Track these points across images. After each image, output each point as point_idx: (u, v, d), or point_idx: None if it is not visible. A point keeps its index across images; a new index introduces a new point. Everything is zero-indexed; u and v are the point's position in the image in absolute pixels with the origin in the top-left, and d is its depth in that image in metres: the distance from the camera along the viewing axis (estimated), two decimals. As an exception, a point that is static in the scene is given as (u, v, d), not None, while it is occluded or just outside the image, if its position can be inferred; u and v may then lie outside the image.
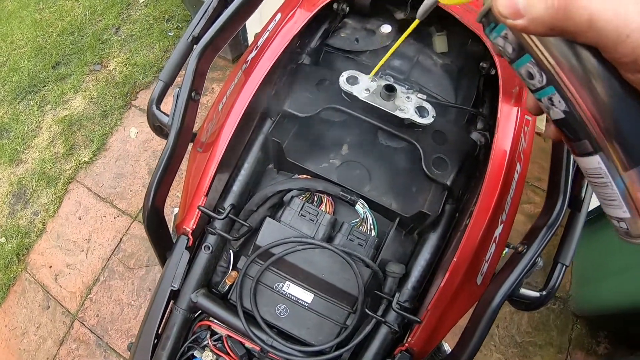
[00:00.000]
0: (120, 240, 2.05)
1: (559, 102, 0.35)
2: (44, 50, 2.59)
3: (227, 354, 0.87)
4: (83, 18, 2.70)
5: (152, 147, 2.23)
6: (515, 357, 1.81)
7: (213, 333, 0.90)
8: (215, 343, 0.90)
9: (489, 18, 0.37)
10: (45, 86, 2.48)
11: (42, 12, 2.76)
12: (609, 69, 0.32)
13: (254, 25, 2.08)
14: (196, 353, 0.88)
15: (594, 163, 0.36)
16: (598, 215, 1.76)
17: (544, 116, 0.40)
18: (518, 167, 0.88)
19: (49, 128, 2.36)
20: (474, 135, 0.92)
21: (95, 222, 2.10)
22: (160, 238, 0.92)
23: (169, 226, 0.94)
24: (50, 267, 2.06)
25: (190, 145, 0.98)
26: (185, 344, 0.88)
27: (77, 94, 2.44)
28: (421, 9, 0.57)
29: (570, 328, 1.85)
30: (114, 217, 2.10)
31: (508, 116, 0.86)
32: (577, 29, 0.30)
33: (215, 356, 0.88)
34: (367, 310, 0.79)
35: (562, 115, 0.36)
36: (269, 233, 0.81)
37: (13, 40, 2.67)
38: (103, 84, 2.44)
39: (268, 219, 0.82)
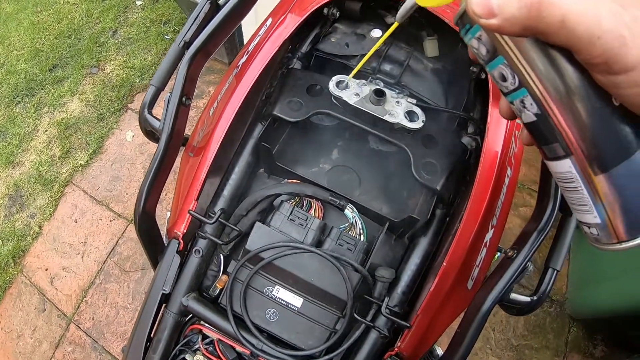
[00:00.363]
0: (116, 243, 2.05)
1: (531, 104, 0.35)
2: (41, 52, 2.60)
3: (219, 357, 0.88)
4: (80, 21, 2.70)
5: (148, 150, 2.22)
6: (512, 361, 1.81)
7: (204, 337, 0.90)
8: (207, 347, 0.90)
9: (464, 19, 0.37)
10: (42, 89, 2.48)
11: (40, 15, 2.77)
12: (580, 71, 0.32)
13: (250, 28, 2.08)
14: (187, 357, 0.88)
15: (564, 167, 0.36)
16: (593, 218, 1.76)
17: None
18: (509, 171, 0.87)
19: (46, 131, 2.37)
20: (465, 140, 0.92)
21: (91, 225, 2.10)
22: (152, 242, 0.92)
23: (163, 230, 0.94)
24: (46, 269, 2.06)
25: (182, 149, 0.98)
26: (177, 347, 0.88)
27: (73, 97, 2.44)
28: (400, 12, 0.56)
29: (567, 331, 1.85)
30: (110, 220, 2.10)
31: (498, 120, 0.86)
32: (549, 29, 0.30)
33: (206, 360, 0.88)
34: (356, 315, 0.79)
35: (534, 118, 0.35)
36: (259, 237, 0.81)
37: (10, 42, 2.68)
38: (100, 86, 2.44)
39: (257, 224, 0.82)
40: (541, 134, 0.36)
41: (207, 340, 0.90)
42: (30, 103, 2.45)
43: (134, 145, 2.26)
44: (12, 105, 2.47)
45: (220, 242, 0.85)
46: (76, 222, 2.12)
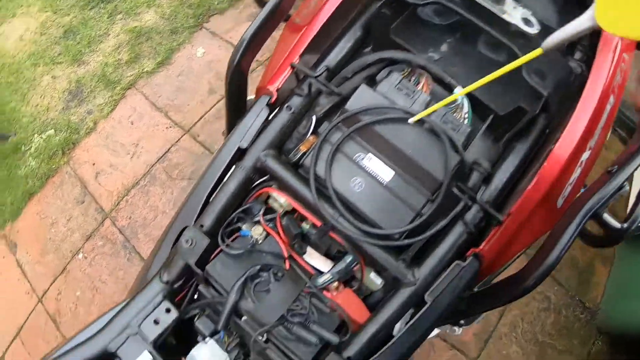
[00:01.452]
0: (168, 150, 2.06)
1: None
2: (124, -38, 2.61)
3: (278, 233, 0.82)
4: None
5: (216, 68, 2.20)
6: (533, 355, 1.75)
7: (267, 212, 0.86)
8: (268, 223, 0.84)
9: None
10: (118, -3, 2.51)
11: None
12: None
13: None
14: (245, 227, 0.84)
15: None
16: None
17: None
18: (611, 99, 0.84)
19: (117, 36, 2.39)
20: (572, 63, 0.89)
21: (147, 129, 2.12)
22: (237, 102, 0.91)
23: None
24: (94, 164, 2.09)
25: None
26: (236, 213, 0.84)
27: (150, 9, 2.45)
28: (552, 40, 0.60)
29: (592, 342, 1.78)
30: (166, 127, 2.11)
31: (608, 48, 0.84)
32: None
33: (265, 233, 0.83)
34: (454, 192, 0.75)
35: None
36: (361, 99, 0.78)
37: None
38: (177, 3, 2.43)
39: (363, 85, 0.79)
40: None
41: (269, 216, 0.85)
42: (105, 9, 2.48)
43: (203, 62, 2.26)
44: (87, 8, 2.50)
45: (325, 87, 0.80)
46: (132, 124, 2.14)
